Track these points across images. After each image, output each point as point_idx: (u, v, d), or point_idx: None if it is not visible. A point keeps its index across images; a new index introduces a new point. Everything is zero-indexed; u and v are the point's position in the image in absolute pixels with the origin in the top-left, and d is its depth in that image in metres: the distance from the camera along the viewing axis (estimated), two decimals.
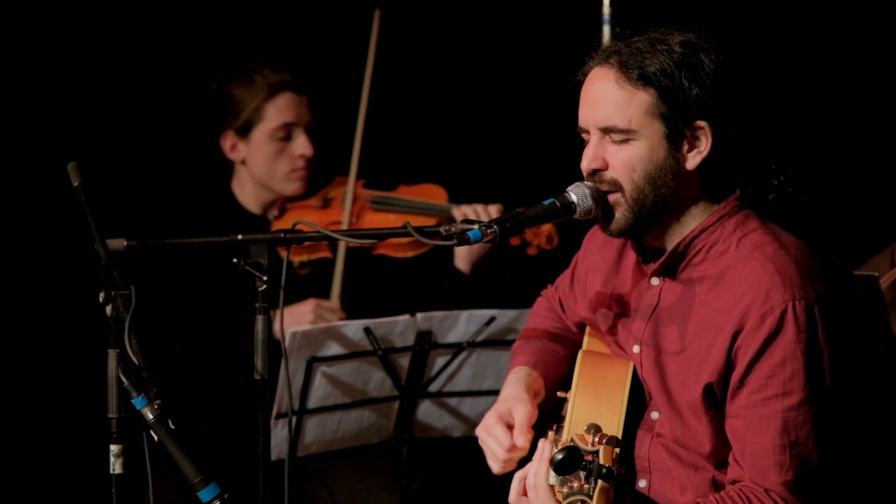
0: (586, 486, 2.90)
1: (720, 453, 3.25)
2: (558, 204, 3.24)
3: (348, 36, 5.44)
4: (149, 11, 5.43)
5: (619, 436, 3.21)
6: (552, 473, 3.00)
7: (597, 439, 2.95)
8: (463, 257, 4.89)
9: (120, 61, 5.42)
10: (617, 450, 2.97)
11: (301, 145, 4.95)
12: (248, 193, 5.02)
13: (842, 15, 5.29)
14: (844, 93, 5.31)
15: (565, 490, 2.93)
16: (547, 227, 4.76)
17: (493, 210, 4.82)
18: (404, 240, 4.69)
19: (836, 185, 5.12)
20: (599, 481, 2.87)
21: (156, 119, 5.49)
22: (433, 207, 4.91)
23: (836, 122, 5.30)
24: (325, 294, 4.85)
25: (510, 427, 3.39)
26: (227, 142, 4.99)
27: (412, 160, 5.53)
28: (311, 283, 4.91)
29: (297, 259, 4.92)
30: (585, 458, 2.91)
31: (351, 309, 4.81)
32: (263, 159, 4.97)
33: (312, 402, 4.37)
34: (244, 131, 4.96)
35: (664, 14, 3.36)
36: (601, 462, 2.89)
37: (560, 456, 2.88)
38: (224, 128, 4.97)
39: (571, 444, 2.96)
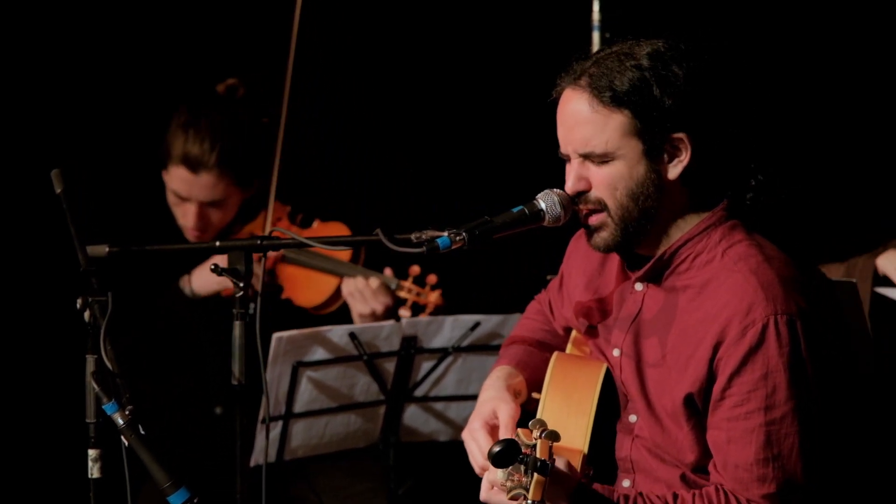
0: (525, 479, 2.93)
1: (701, 462, 3.26)
2: (527, 211, 3.24)
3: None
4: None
5: (588, 437, 3.24)
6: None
7: (537, 434, 2.97)
8: None
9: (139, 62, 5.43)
10: (554, 443, 2.98)
11: (184, 215, 4.83)
12: None
13: (823, 15, 5.28)
14: (827, 95, 5.29)
15: (509, 483, 2.97)
16: None
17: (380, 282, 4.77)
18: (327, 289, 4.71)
19: (820, 189, 5.11)
20: (535, 474, 2.90)
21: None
22: (338, 267, 4.78)
23: (817, 125, 5.29)
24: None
25: (495, 428, 3.41)
26: None
27: (333, 194, 5.46)
28: None
29: None
30: (524, 451, 2.93)
31: None
32: (169, 200, 4.90)
33: (299, 407, 4.38)
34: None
35: (653, 19, 3.37)
36: (537, 456, 2.92)
37: (496, 449, 2.91)
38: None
39: (514, 437, 2.99)
